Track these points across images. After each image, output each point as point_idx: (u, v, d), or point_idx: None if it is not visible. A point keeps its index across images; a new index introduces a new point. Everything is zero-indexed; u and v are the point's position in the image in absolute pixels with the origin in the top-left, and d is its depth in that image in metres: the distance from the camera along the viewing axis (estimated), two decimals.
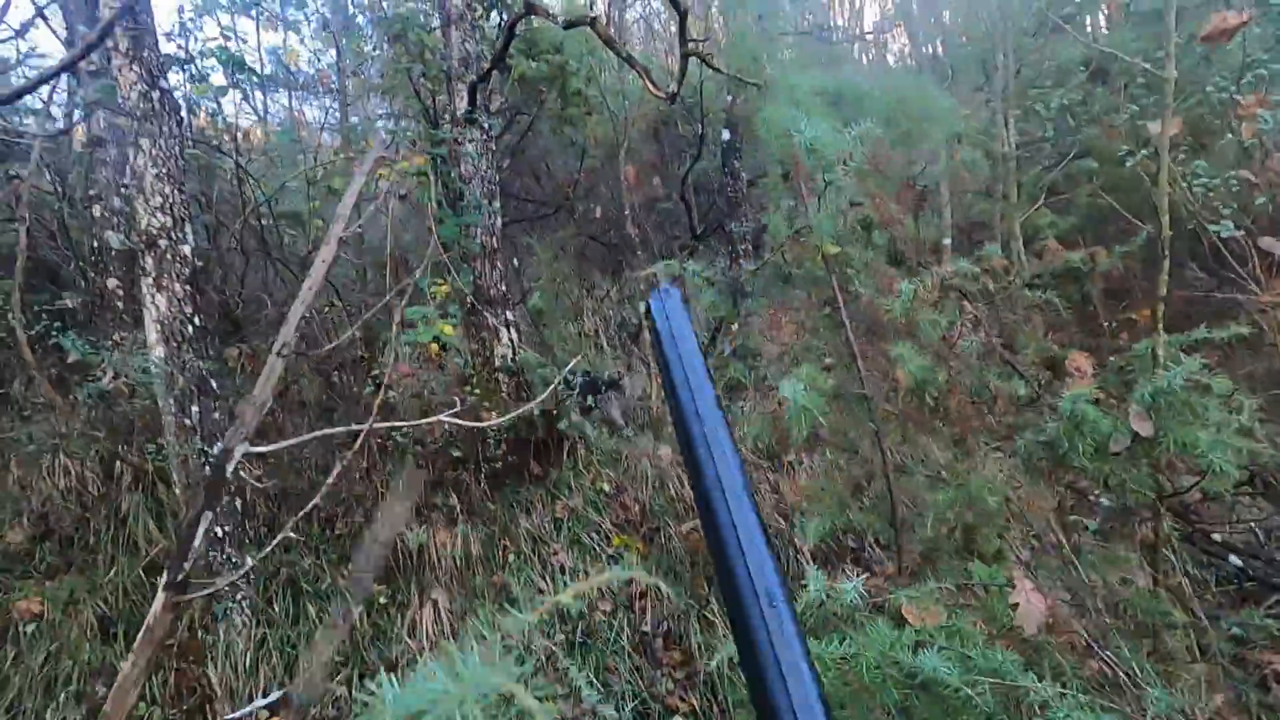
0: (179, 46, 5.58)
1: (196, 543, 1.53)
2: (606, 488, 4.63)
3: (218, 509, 3.33)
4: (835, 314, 1.90)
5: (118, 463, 3.73)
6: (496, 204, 5.73)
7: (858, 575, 1.49)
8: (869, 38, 6.90)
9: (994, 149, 3.89)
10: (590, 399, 5.56)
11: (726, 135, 6.13)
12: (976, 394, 1.78)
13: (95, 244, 4.84)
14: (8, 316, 3.93)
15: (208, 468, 3.34)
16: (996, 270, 2.11)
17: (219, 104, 4.83)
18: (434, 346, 3.71)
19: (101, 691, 2.97)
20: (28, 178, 4.57)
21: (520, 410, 2.48)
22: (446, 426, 4.47)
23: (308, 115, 8.73)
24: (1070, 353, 1.92)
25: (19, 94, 2.69)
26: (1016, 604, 1.35)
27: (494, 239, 5.62)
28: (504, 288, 5.67)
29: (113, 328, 4.43)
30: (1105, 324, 3.18)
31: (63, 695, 2.89)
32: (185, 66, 4.36)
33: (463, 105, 5.44)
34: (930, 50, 8.70)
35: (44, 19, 5.28)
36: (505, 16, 5.83)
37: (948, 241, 3.66)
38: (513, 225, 7.14)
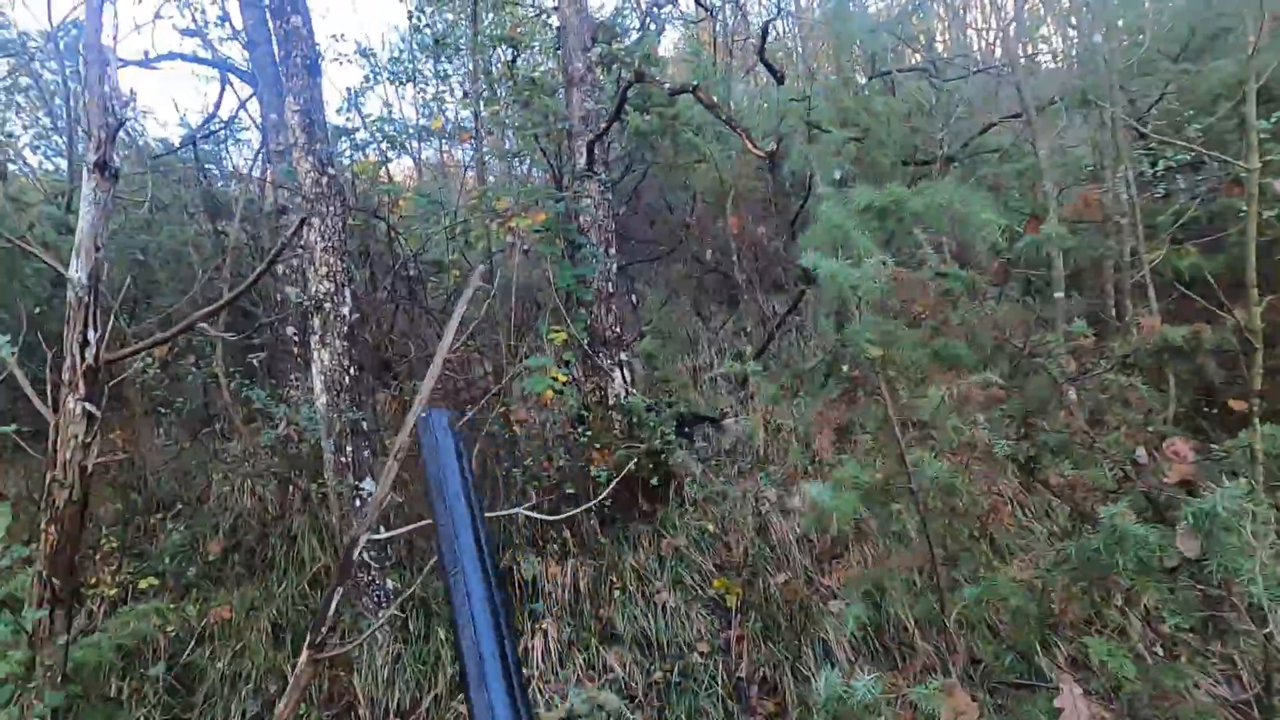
0: (347, 119, 6.46)
1: (331, 611, 1.87)
2: (710, 528, 4.76)
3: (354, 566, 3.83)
4: (880, 409, 1.95)
5: (291, 489, 4.39)
6: (612, 250, 6.10)
7: (892, 669, 1.54)
8: (991, 70, 6.61)
9: (1113, 183, 3.61)
10: (693, 437, 5.73)
11: (837, 175, 6.13)
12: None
13: (278, 296, 5.71)
14: (212, 363, 4.72)
15: (357, 499, 3.87)
16: (1084, 348, 2.02)
17: (381, 174, 5.55)
18: (549, 393, 4.06)
19: (273, 689, 3.52)
20: (233, 234, 5.48)
21: (624, 452, 2.71)
22: (560, 463, 4.82)
23: (457, 155, 9.69)
24: (1171, 436, 1.79)
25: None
26: (1061, 710, 1.33)
27: (609, 284, 5.98)
28: (618, 330, 6.00)
29: (289, 370, 5.20)
30: (1214, 409, 2.80)
31: (243, 691, 3.47)
32: (351, 136, 5.08)
33: (582, 161, 5.88)
34: (1069, 65, 8.14)
35: (245, 111, 6.34)
36: (624, 75, 6.22)
37: (1059, 295, 3.43)
38: (629, 267, 7.51)
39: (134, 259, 5.58)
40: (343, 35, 7.41)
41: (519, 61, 6.46)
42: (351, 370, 3.99)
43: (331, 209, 4.06)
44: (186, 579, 4.01)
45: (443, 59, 7.10)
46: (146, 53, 5.47)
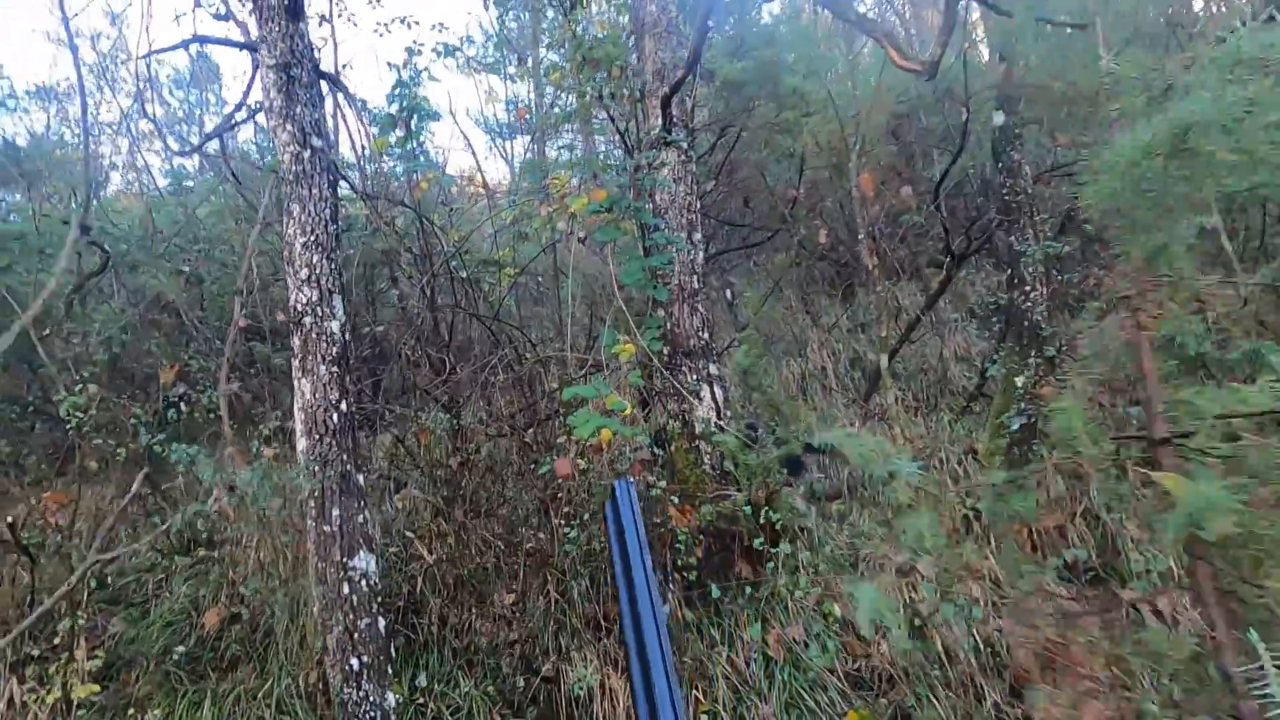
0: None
1: None
2: (838, 610, 3.41)
3: (354, 634, 2.80)
4: None
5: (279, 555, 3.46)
6: (698, 236, 4.84)
7: None
8: None
9: None
10: (804, 471, 4.38)
11: (1000, 119, 4.56)
12: None
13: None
14: (214, 394, 3.89)
15: (345, 584, 2.84)
16: None
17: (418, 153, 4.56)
18: (605, 434, 2.88)
19: None
20: (252, 240, 4.67)
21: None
22: None
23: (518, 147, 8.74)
24: None
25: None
26: None
27: (694, 278, 4.73)
28: (706, 336, 4.74)
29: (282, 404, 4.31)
30: None
31: None
32: (365, 109, 4.12)
33: (656, 124, 4.67)
34: None
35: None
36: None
37: None
38: (720, 257, 6.21)
39: None
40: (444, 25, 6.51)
41: (580, 13, 5.31)
42: (342, 406, 2.98)
43: (315, 191, 3.06)
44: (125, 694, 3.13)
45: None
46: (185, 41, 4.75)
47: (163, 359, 4.22)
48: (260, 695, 3.09)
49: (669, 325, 4.55)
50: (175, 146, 6.02)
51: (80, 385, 3.11)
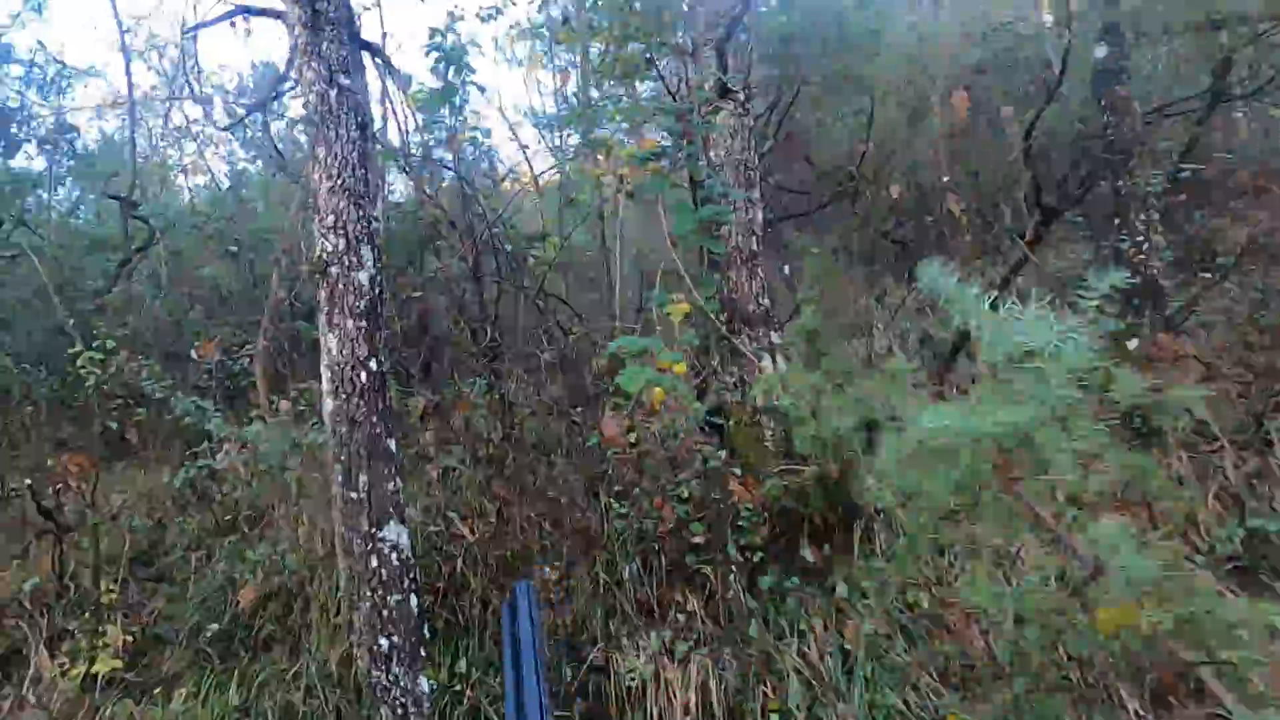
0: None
1: None
2: (924, 601, 2.99)
3: (383, 611, 2.55)
4: None
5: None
6: (755, 194, 4.46)
7: None
8: None
9: None
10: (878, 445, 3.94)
11: (1101, 51, 4.02)
12: None
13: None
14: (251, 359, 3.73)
15: (374, 557, 2.59)
16: None
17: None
18: (657, 393, 2.55)
19: None
20: (292, 217, 4.53)
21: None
22: (686, 495, 3.28)
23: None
24: None
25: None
26: None
27: (753, 240, 4.35)
28: (767, 303, 4.36)
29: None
30: None
31: None
32: (388, 67, 3.90)
33: (713, 72, 4.31)
34: None
35: None
36: None
37: None
38: (779, 224, 5.79)
39: None
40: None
41: None
42: (371, 364, 2.73)
43: (342, 133, 2.83)
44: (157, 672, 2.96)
45: None
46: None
47: (202, 333, 4.11)
48: (290, 677, 2.87)
49: (726, 290, 4.18)
50: (224, 120, 6.00)
51: (99, 344, 2.96)
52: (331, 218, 2.76)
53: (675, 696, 2.57)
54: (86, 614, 3.02)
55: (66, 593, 3.46)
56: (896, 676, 2.64)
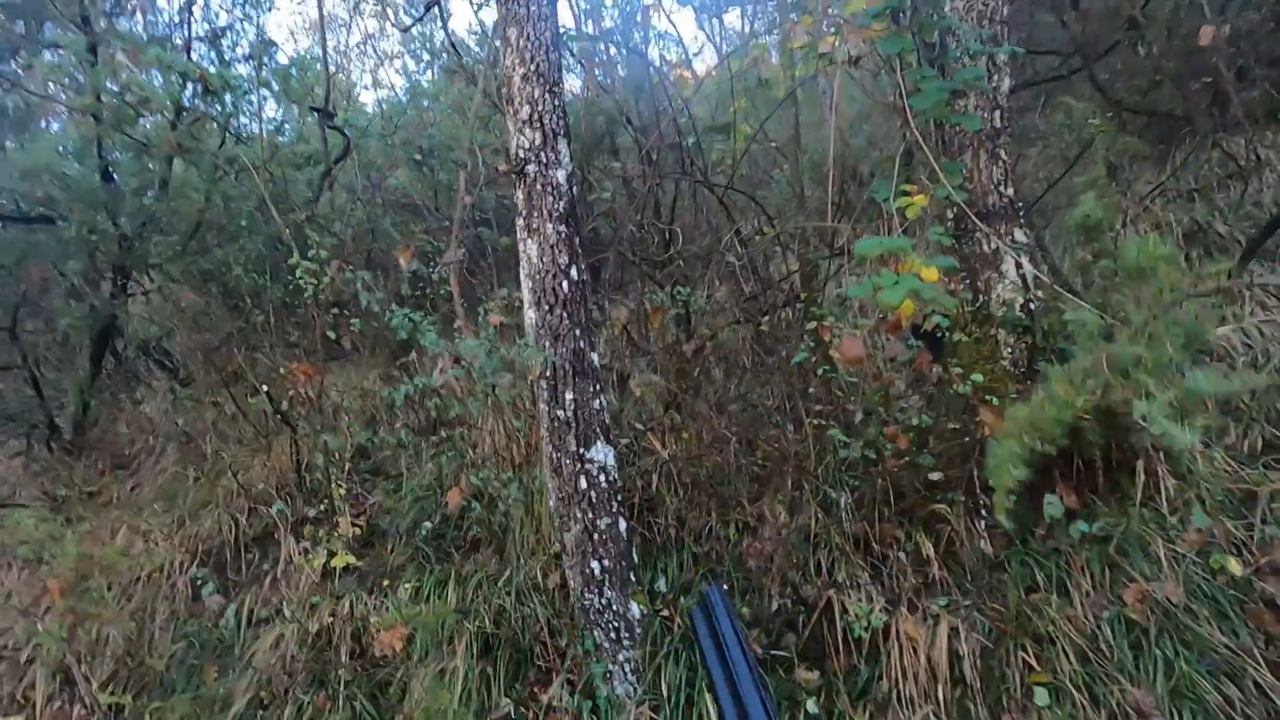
0: None
1: None
2: (1235, 566, 2.37)
3: (593, 534, 2.43)
4: None
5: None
6: (1002, 57, 3.59)
7: None
8: None
9: None
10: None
11: None
12: None
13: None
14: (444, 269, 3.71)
15: (582, 478, 2.45)
16: None
17: None
18: (907, 306, 2.08)
19: None
20: (472, 115, 4.38)
21: None
22: (918, 423, 2.82)
23: None
24: None
25: None
26: None
27: (996, 114, 3.54)
28: (1010, 193, 3.58)
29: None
30: None
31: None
32: None
33: None
34: None
35: None
36: None
37: None
38: (1017, 93, 4.77)
39: None
40: None
41: None
42: (572, 272, 2.50)
43: (534, 9, 2.50)
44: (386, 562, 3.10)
45: None
46: None
47: (398, 240, 4.16)
48: (500, 583, 2.92)
49: (964, 179, 3.47)
50: (406, 20, 6.00)
51: (313, 255, 3.00)
52: (527, 109, 2.49)
53: (917, 652, 2.25)
54: (322, 505, 3.25)
55: (303, 483, 3.80)
56: (1206, 661, 2.12)
